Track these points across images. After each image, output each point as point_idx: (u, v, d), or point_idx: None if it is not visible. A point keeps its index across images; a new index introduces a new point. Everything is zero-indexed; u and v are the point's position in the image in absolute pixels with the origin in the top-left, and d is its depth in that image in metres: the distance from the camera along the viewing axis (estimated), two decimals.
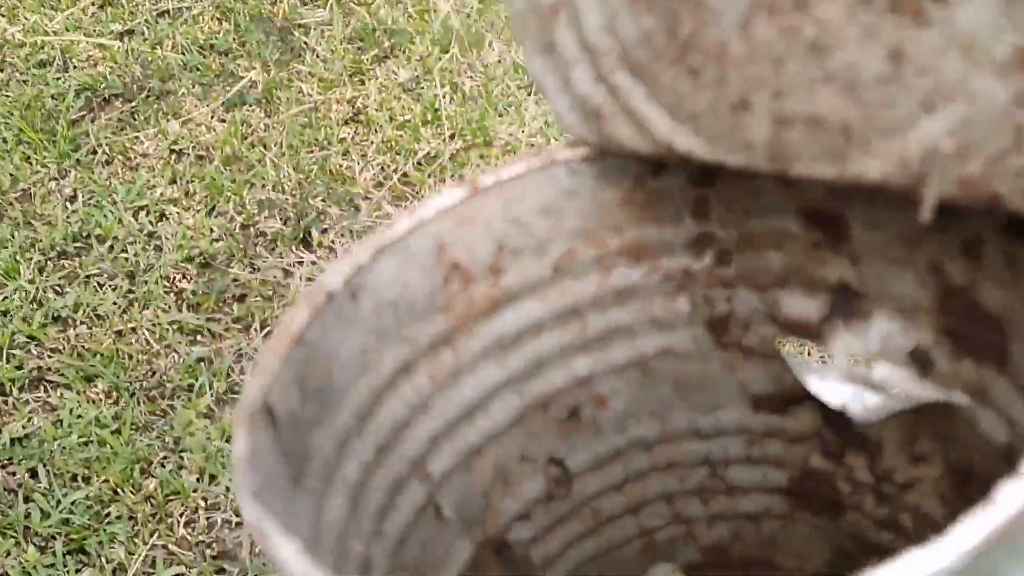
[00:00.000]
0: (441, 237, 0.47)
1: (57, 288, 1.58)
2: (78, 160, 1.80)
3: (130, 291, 1.56)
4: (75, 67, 2.02)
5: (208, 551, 1.23)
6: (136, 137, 1.85)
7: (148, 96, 1.95)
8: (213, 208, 1.70)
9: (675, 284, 0.51)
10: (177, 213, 1.69)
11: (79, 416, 1.37)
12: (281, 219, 1.66)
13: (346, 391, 0.45)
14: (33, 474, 1.32)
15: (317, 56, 1.99)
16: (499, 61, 1.93)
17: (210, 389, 1.41)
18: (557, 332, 0.52)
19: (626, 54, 0.40)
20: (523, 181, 0.48)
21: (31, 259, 1.61)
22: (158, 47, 2.05)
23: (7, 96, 1.95)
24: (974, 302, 0.44)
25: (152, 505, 1.27)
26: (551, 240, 0.49)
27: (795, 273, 0.51)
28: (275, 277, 1.56)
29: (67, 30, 2.11)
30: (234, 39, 2.06)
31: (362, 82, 1.93)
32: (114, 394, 1.41)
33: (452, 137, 1.80)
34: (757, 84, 0.38)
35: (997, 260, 0.42)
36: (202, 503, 1.27)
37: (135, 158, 1.81)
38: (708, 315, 0.52)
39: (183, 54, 2.03)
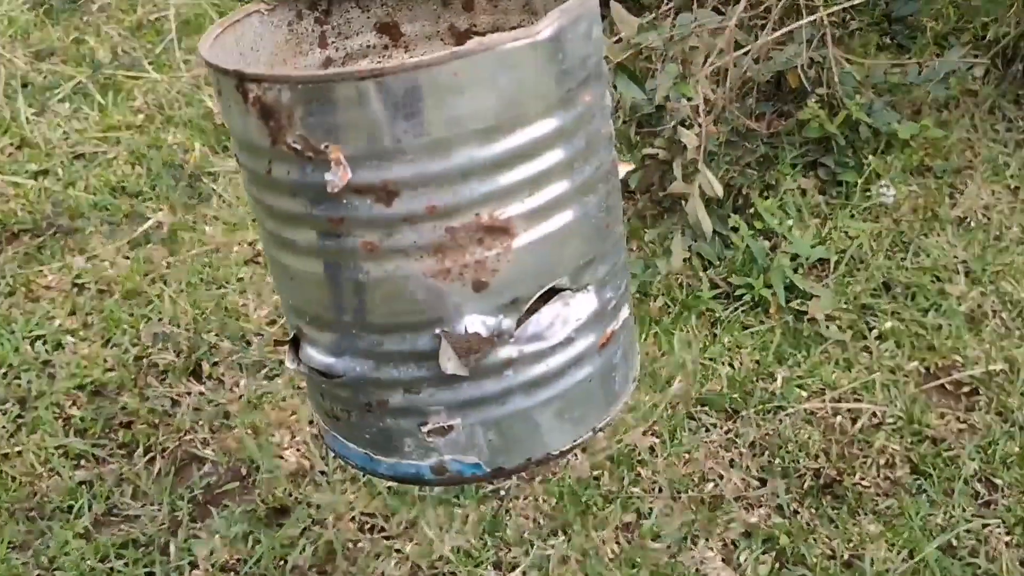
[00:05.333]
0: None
1: None
2: None
3: (20, 416, 1.62)
4: None
5: None
6: (40, 271, 1.94)
7: (56, 233, 2.05)
8: (109, 340, 1.78)
9: None
10: (73, 343, 1.77)
11: None
12: (174, 351, 1.75)
13: None
14: None
15: (223, 201, 2.13)
16: None
17: (89, 511, 1.46)
18: None
19: None
20: (241, 24, 0.80)
21: None
22: (71, 187, 2.17)
23: None
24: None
25: None
26: (256, 63, 0.83)
27: None
28: (163, 406, 1.64)
29: None
30: (145, 183, 2.19)
31: None
32: None
33: None
34: None
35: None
36: None
37: (37, 290, 1.90)
38: None
39: (94, 194, 2.15)
